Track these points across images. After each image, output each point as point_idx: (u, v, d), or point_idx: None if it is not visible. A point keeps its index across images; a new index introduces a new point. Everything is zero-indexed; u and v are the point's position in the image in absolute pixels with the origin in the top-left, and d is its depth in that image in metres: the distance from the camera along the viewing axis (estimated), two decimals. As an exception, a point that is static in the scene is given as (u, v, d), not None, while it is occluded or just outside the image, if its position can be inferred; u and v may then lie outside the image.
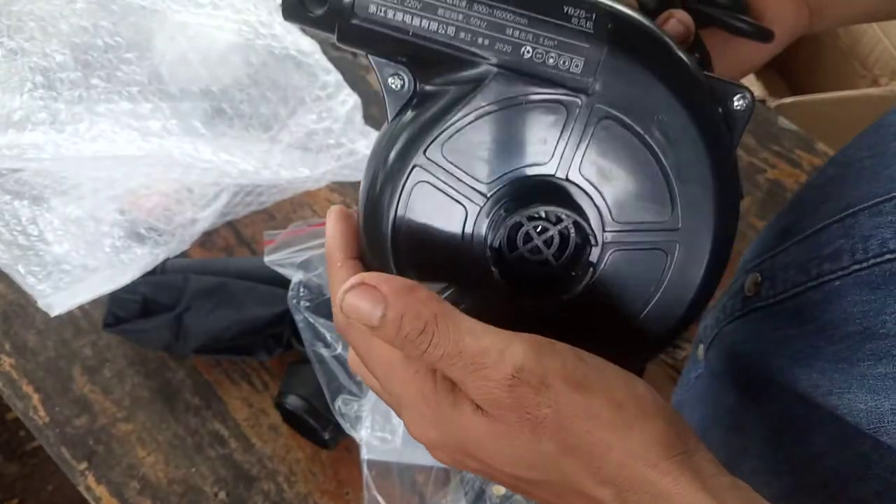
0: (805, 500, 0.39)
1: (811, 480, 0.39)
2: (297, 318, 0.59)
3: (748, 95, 0.31)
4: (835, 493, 0.38)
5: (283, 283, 0.63)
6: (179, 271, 0.64)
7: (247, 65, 0.65)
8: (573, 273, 0.31)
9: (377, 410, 0.61)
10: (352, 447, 0.62)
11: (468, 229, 0.31)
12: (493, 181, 0.31)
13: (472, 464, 0.30)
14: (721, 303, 0.49)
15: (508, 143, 0.31)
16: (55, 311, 0.59)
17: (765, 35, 0.40)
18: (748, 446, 0.44)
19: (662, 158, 0.31)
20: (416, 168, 0.31)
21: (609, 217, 0.31)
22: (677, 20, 0.36)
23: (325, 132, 0.64)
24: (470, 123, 0.30)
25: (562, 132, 0.30)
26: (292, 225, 0.64)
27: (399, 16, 0.29)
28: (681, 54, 0.31)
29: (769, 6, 0.42)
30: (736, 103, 0.32)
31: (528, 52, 0.29)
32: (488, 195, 0.31)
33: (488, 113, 0.30)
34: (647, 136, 0.31)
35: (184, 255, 0.67)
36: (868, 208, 0.35)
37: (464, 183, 0.31)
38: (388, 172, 0.31)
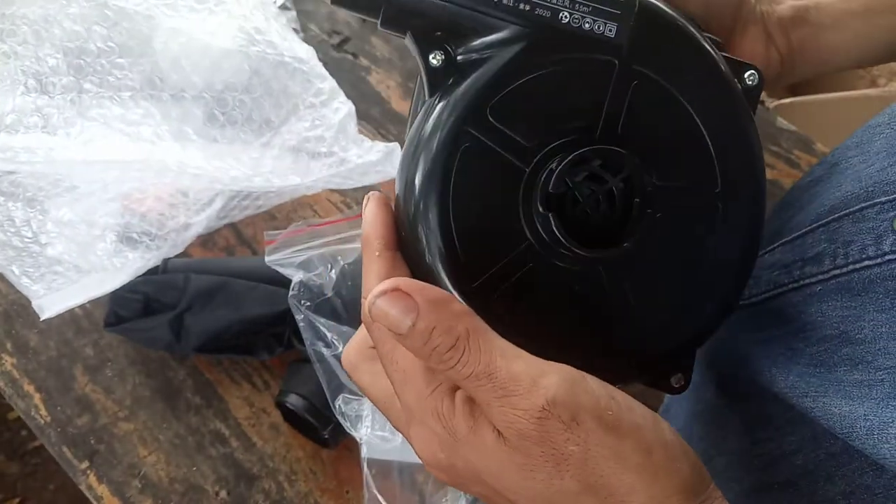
0: (774, 497, 0.40)
1: (782, 478, 0.39)
2: (298, 317, 0.59)
3: (757, 72, 0.33)
4: (803, 492, 0.38)
5: (284, 282, 0.63)
6: (180, 271, 0.64)
7: (240, 71, 0.65)
8: (623, 230, 0.31)
9: (377, 410, 0.61)
10: (352, 446, 0.62)
11: (521, 190, 0.31)
12: (542, 141, 0.32)
13: (477, 489, 0.29)
14: None
15: (553, 104, 0.32)
16: (46, 315, 0.59)
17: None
18: (724, 441, 0.44)
19: (697, 119, 0.32)
20: (468, 133, 0.31)
21: (652, 177, 0.31)
22: None
23: (317, 140, 0.64)
24: (516, 86, 0.31)
25: (601, 92, 0.31)
26: (293, 225, 0.64)
27: None
28: (698, 29, 0.33)
29: (739, 44, 0.41)
30: (748, 80, 0.33)
31: (565, 17, 0.31)
32: (539, 155, 0.32)
33: (532, 76, 0.31)
34: (680, 97, 0.32)
35: (185, 254, 0.67)
36: (852, 213, 0.36)
37: (515, 145, 0.31)
38: (440, 141, 0.31)
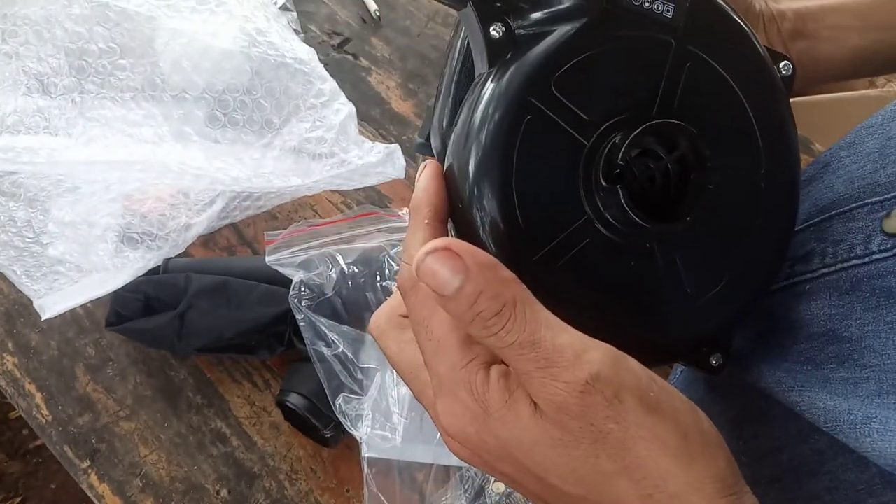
0: (760, 492, 0.40)
1: (767, 474, 0.40)
2: (298, 317, 0.60)
3: (791, 63, 0.34)
4: (789, 487, 0.38)
5: (285, 282, 0.63)
6: (181, 271, 0.65)
7: (241, 72, 0.65)
8: (678, 206, 0.31)
9: (377, 409, 0.62)
10: (353, 445, 0.63)
11: (581, 164, 0.31)
12: (602, 117, 0.32)
13: (503, 467, 0.28)
14: None
15: (612, 80, 0.32)
16: (47, 315, 0.60)
17: None
18: None
19: (745, 102, 0.33)
20: (533, 105, 0.31)
21: (705, 154, 0.32)
22: None
23: (318, 141, 0.64)
24: (578, 61, 0.31)
25: (658, 71, 0.32)
26: (293, 225, 0.65)
27: None
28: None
29: None
30: (783, 69, 0.34)
31: None
32: (600, 129, 0.32)
33: (593, 52, 0.31)
34: (731, 80, 0.33)
35: (186, 254, 0.67)
36: (843, 213, 0.36)
37: (576, 118, 0.31)
38: (505, 111, 0.31)
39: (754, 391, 0.39)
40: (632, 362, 0.27)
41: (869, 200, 0.35)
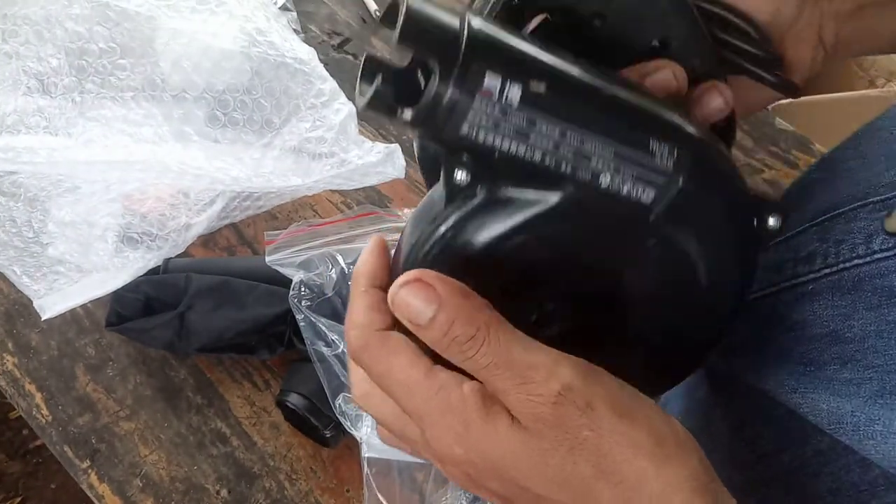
0: (763, 494, 0.40)
1: (770, 475, 0.40)
2: (298, 317, 0.60)
3: (783, 217, 0.32)
4: (791, 489, 0.38)
5: (285, 282, 0.63)
6: (181, 271, 0.65)
7: (241, 72, 0.65)
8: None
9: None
10: (353, 445, 0.63)
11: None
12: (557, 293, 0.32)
13: (493, 485, 0.29)
14: None
15: (576, 257, 0.31)
16: (47, 315, 0.60)
17: (791, 89, 0.39)
18: (714, 439, 0.45)
19: (701, 279, 0.32)
20: (473, 268, 0.30)
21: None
22: (719, 94, 0.34)
23: (318, 140, 0.64)
24: (534, 239, 0.30)
25: (616, 249, 0.31)
26: (293, 225, 0.65)
27: (490, 138, 0.28)
28: (739, 184, 0.32)
29: (787, 52, 0.39)
30: (771, 221, 0.32)
31: (605, 180, 0.29)
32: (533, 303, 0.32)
33: (556, 230, 0.30)
34: (695, 259, 0.31)
35: (186, 254, 0.67)
36: (845, 213, 0.36)
37: (511, 290, 0.31)
38: (442, 262, 0.30)
39: (756, 392, 0.39)
40: (603, 373, 0.28)
41: (871, 200, 0.35)
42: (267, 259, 0.60)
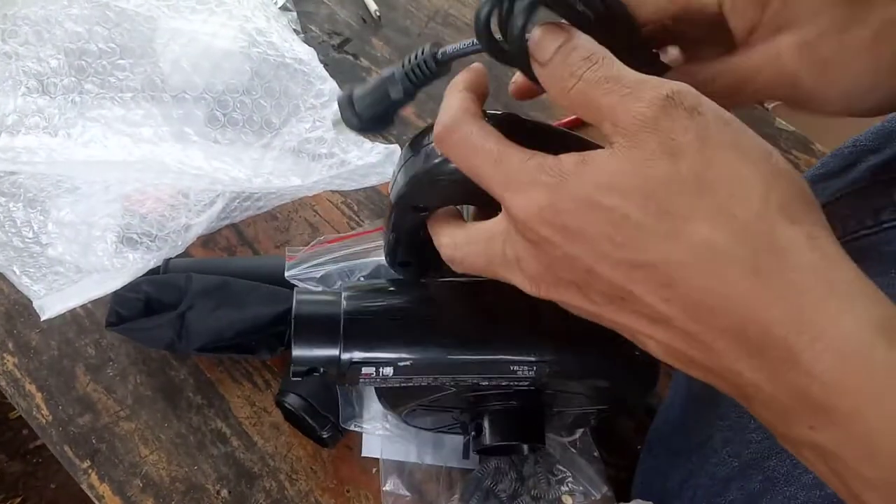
0: (773, 466, 0.40)
1: (777, 448, 0.40)
2: None
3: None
4: (798, 461, 0.38)
5: (285, 282, 0.63)
6: (182, 271, 0.65)
7: (241, 72, 0.65)
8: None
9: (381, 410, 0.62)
10: (353, 445, 0.63)
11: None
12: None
13: (577, 247, 0.27)
14: None
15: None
16: (46, 315, 0.59)
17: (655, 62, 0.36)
18: (720, 418, 0.45)
19: (584, 395, 0.44)
20: None
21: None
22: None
23: (317, 141, 0.64)
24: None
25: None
26: (314, 241, 0.64)
27: (378, 384, 0.40)
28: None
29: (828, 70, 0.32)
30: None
31: (484, 383, 0.39)
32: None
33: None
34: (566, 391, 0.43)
35: (186, 254, 0.67)
36: (854, 192, 0.37)
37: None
38: None
39: None
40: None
41: (881, 178, 0.35)
42: (286, 274, 0.59)
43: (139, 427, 0.64)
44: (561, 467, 0.58)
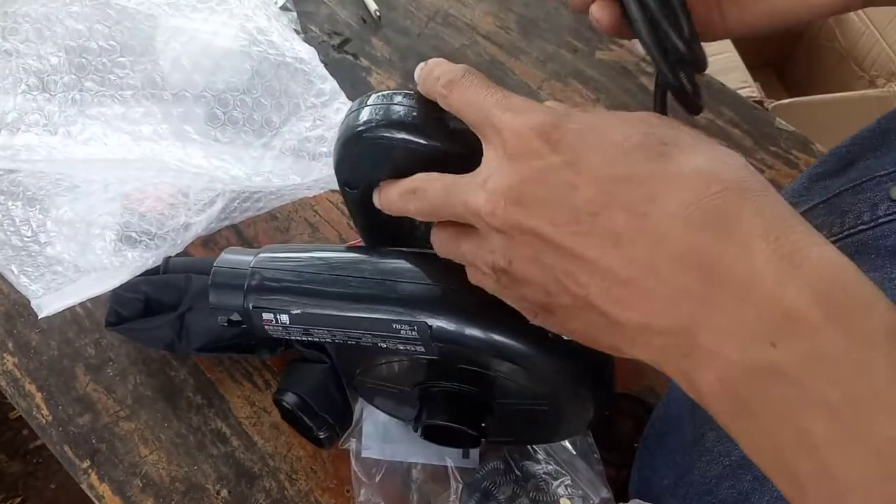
0: None
1: None
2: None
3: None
4: None
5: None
6: (182, 270, 0.65)
7: (242, 71, 0.65)
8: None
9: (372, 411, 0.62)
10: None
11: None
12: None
13: (571, 173, 0.28)
14: None
15: (404, 372, 0.48)
16: (44, 313, 0.59)
17: (691, 107, 0.37)
18: (710, 417, 0.45)
19: (511, 379, 0.44)
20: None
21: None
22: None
23: (317, 140, 0.64)
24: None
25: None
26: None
27: (286, 335, 0.44)
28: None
29: None
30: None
31: (383, 344, 0.42)
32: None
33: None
34: (493, 370, 0.44)
35: (185, 253, 0.67)
36: (852, 188, 0.37)
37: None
38: None
39: None
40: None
41: (877, 174, 0.36)
42: None
43: (139, 427, 0.64)
44: (560, 469, 0.58)
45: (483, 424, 0.47)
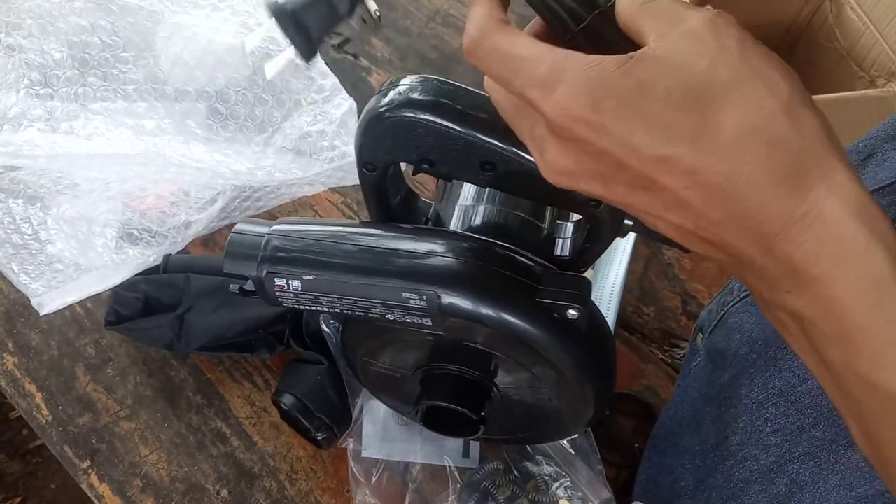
0: (796, 469, 0.40)
1: (801, 451, 0.40)
2: (330, 341, 0.60)
3: (579, 306, 0.40)
4: (825, 462, 0.38)
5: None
6: (181, 269, 0.65)
7: (243, 67, 0.65)
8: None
9: (372, 410, 0.62)
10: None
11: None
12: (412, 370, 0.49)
13: (608, 142, 0.28)
14: (730, 286, 0.50)
15: (408, 351, 0.49)
16: (45, 310, 0.59)
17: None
18: (736, 421, 0.45)
19: (514, 361, 0.45)
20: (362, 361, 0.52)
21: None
22: None
23: (318, 134, 0.65)
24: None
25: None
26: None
27: (298, 305, 0.44)
28: (515, 283, 0.42)
29: None
30: (570, 313, 0.40)
31: (390, 316, 0.43)
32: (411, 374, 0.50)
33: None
34: (496, 351, 0.45)
35: (185, 252, 0.67)
36: (881, 189, 0.37)
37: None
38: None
39: (776, 368, 0.40)
40: None
41: None
42: None
43: (139, 427, 0.64)
44: (560, 470, 0.58)
45: (483, 411, 0.47)
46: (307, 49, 0.38)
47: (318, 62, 0.66)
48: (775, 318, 0.30)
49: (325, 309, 0.44)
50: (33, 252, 0.61)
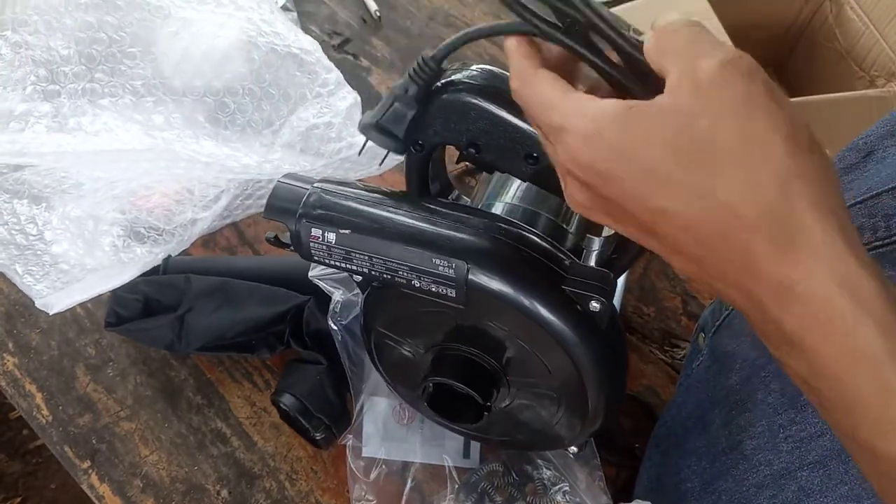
0: (806, 477, 0.40)
1: (811, 459, 0.40)
2: (336, 337, 0.59)
3: (603, 300, 0.41)
4: (835, 471, 0.38)
5: (285, 282, 0.63)
6: (181, 270, 0.65)
7: (249, 62, 0.65)
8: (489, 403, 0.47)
9: (372, 408, 0.62)
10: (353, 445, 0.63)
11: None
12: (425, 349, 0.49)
13: (611, 190, 0.30)
14: None
15: (425, 327, 0.49)
16: (53, 310, 0.59)
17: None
18: (751, 425, 0.45)
19: (526, 346, 0.45)
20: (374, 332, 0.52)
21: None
22: None
23: (326, 126, 0.65)
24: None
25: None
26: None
27: (329, 260, 0.45)
28: (543, 268, 0.43)
29: None
30: (592, 306, 0.41)
31: (416, 283, 0.43)
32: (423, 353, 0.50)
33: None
34: (514, 335, 0.45)
35: (185, 252, 0.67)
36: (891, 190, 0.37)
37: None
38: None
39: (784, 376, 0.40)
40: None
41: (892, 186, 0.35)
42: (309, 274, 0.59)
43: (139, 427, 0.64)
44: (559, 475, 0.58)
45: (490, 399, 0.47)
46: (398, 146, 0.42)
47: (321, 57, 0.66)
48: (781, 360, 0.30)
49: (354, 267, 0.45)
50: (38, 252, 0.61)
